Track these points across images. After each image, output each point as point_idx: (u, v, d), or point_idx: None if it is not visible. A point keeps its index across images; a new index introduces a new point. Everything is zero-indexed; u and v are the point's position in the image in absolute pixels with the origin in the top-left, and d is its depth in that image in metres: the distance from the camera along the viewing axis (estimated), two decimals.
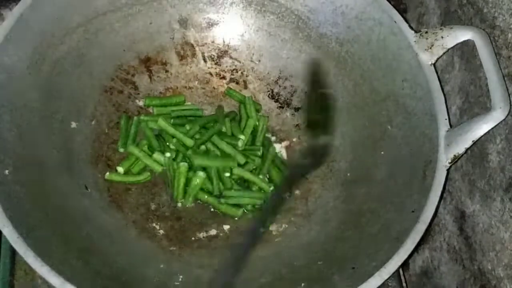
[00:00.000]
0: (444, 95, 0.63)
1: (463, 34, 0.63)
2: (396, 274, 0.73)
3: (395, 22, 0.67)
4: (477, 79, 0.62)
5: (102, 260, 0.59)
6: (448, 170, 0.60)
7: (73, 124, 0.68)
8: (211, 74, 0.79)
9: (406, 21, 0.68)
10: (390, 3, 0.69)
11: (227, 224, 0.69)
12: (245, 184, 0.72)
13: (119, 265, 0.60)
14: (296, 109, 0.77)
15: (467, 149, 0.59)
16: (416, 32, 0.66)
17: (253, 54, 0.79)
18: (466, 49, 0.65)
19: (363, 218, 0.65)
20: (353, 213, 0.67)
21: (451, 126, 0.61)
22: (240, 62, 0.79)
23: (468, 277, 0.62)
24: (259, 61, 0.79)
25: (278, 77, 0.79)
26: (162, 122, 0.72)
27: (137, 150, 0.70)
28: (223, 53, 0.79)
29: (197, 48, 0.79)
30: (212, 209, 0.70)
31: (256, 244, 0.65)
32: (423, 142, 0.63)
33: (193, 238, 0.67)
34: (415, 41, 0.66)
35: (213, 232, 0.68)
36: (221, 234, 0.68)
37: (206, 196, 0.69)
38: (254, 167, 0.72)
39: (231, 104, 0.78)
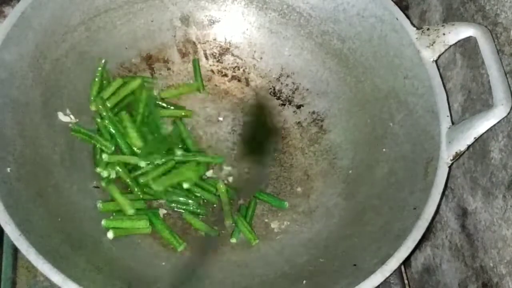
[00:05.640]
0: (446, 92, 0.63)
1: (465, 31, 0.62)
2: (398, 271, 0.73)
3: (396, 19, 0.67)
4: (479, 76, 0.62)
5: (103, 258, 0.59)
6: (450, 167, 0.60)
7: (72, 125, 0.68)
8: (213, 71, 0.79)
9: (408, 18, 0.68)
10: (392, 0, 0.69)
11: (228, 222, 0.69)
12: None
13: (121, 262, 0.60)
14: (298, 107, 0.77)
15: (469, 146, 0.59)
16: (418, 29, 0.66)
17: (254, 51, 0.79)
18: (468, 46, 0.65)
19: (364, 215, 0.65)
20: (355, 210, 0.67)
21: (453, 123, 0.61)
22: (242, 59, 0.79)
23: (470, 275, 0.62)
24: (261, 58, 0.79)
25: (280, 75, 0.79)
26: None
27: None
28: (225, 50, 0.79)
29: (198, 46, 0.79)
30: (214, 207, 0.70)
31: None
32: (425, 139, 0.62)
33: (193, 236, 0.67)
34: (417, 38, 0.65)
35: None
36: (222, 232, 0.68)
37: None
38: None
39: (233, 102, 0.78)
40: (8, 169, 0.56)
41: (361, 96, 0.73)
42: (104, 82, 0.72)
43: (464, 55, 0.66)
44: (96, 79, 0.71)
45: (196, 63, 0.77)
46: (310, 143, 0.75)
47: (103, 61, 0.71)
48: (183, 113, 0.75)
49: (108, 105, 0.70)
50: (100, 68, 0.71)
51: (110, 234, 0.62)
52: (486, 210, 0.59)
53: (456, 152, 0.59)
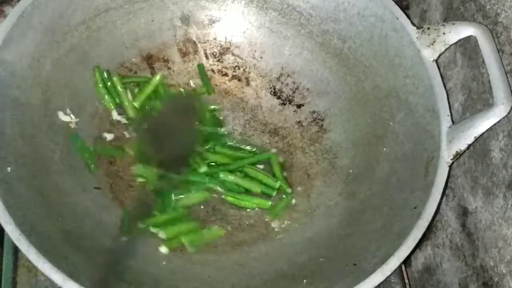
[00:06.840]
0: (447, 91, 0.63)
1: (465, 30, 0.62)
2: (398, 270, 0.73)
3: (397, 18, 0.67)
4: (479, 76, 0.62)
5: (104, 257, 0.59)
6: (450, 166, 0.59)
7: (73, 125, 0.68)
8: (213, 71, 0.79)
9: (409, 17, 0.68)
10: None
11: (229, 221, 0.69)
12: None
13: (121, 262, 0.60)
14: (298, 106, 0.77)
15: (469, 146, 0.59)
16: (418, 28, 0.66)
17: (255, 51, 0.79)
18: (468, 46, 0.65)
19: (365, 215, 0.65)
20: (355, 210, 0.67)
21: (453, 122, 0.61)
22: (242, 59, 0.79)
23: (471, 274, 0.62)
24: (261, 58, 0.79)
25: (280, 74, 0.79)
26: None
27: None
28: (225, 50, 0.79)
29: (199, 45, 0.79)
30: (214, 206, 0.70)
31: None
32: (425, 139, 0.62)
33: None
34: (417, 37, 0.65)
35: (215, 229, 0.68)
36: (223, 231, 0.68)
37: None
38: None
39: (233, 101, 0.78)
40: (8, 169, 0.56)
41: (361, 96, 0.73)
42: (108, 84, 0.72)
43: (464, 54, 0.66)
44: (100, 85, 0.71)
45: (201, 68, 0.77)
46: (310, 142, 0.75)
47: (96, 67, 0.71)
48: None
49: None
50: (96, 75, 0.71)
51: (163, 249, 0.64)
52: (487, 210, 0.59)
53: (457, 152, 0.59)
